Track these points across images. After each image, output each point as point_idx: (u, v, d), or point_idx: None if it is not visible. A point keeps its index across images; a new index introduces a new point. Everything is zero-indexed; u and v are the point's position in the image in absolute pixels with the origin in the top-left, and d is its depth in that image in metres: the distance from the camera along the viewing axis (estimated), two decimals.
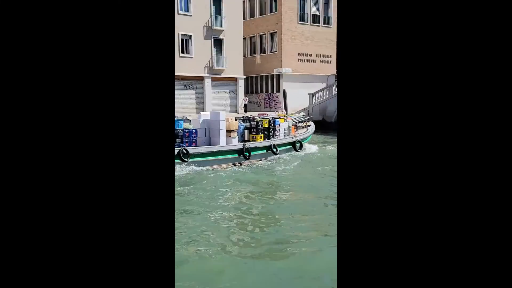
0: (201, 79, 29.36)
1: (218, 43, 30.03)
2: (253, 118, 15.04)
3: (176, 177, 10.13)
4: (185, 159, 11.66)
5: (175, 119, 12.31)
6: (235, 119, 13.93)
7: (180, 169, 11.53)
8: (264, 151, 14.04)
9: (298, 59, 33.09)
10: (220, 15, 29.77)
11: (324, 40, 34.18)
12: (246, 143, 13.38)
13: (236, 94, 31.44)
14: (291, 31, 32.43)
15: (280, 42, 32.18)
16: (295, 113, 20.72)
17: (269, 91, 33.86)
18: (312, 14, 33.42)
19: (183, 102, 28.72)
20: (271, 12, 32.72)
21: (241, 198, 9.01)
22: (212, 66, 29.65)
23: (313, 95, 27.92)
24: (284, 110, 27.15)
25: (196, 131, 12.50)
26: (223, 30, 29.86)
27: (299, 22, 32.74)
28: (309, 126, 17.64)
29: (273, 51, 33.00)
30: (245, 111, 30.41)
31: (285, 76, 32.65)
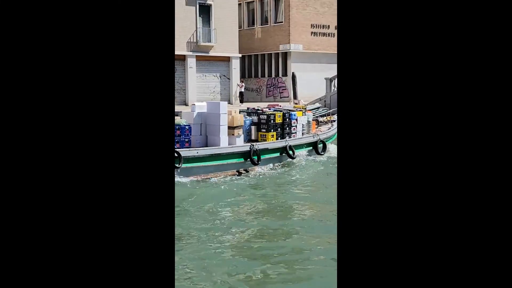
0: (182, 58, 29.40)
1: (205, 11, 30.12)
2: (262, 110, 15.12)
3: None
4: (177, 165, 11.69)
5: None
6: (240, 112, 14.00)
7: None
8: (278, 154, 14.12)
9: (312, 33, 33.30)
10: None
11: None
12: (254, 143, 13.46)
13: (229, 78, 31.57)
14: None
15: (288, 9, 32.37)
16: (307, 104, 20.83)
17: (273, 75, 34.06)
18: None
19: None
20: None
21: (240, 238, 8.56)
22: (196, 41, 29.73)
23: (331, 80, 28.03)
24: (293, 100, 27.34)
25: (190, 128, 12.54)
26: None
27: None
28: (334, 121, 17.77)
29: (278, 21, 33.19)
30: (241, 101, 30.51)
31: (294, 55, 32.81)
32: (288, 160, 14.25)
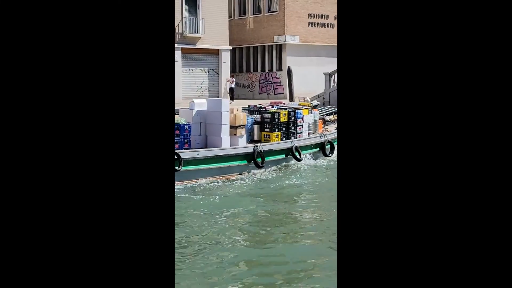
0: None
1: None
2: (265, 108, 15.24)
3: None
4: (176, 168, 11.76)
5: None
6: (242, 110, 14.12)
7: None
8: (283, 155, 14.25)
9: (309, 23, 33.55)
10: None
11: None
12: (257, 144, 13.57)
13: (218, 73, 31.67)
14: None
15: None
16: (312, 101, 21.03)
17: (267, 69, 34.23)
18: None
19: None
20: None
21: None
22: (182, 32, 29.76)
23: (330, 75, 28.22)
24: (289, 97, 27.49)
25: (190, 127, 12.63)
26: None
27: None
28: None
29: (272, 11, 33.38)
30: (232, 98, 30.58)
31: (289, 47, 33.00)
32: (293, 162, 14.40)
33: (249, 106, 16.07)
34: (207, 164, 12.64)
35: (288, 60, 32.20)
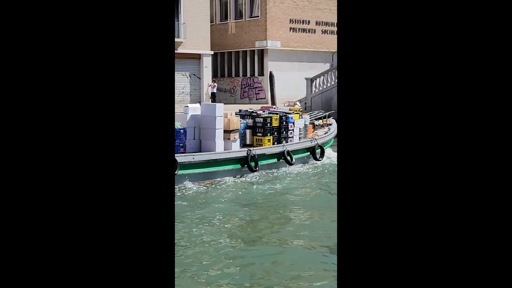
0: None
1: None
2: (257, 113, 15.52)
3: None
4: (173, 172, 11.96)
5: None
6: (235, 114, 14.36)
7: None
8: (275, 159, 14.54)
9: (290, 28, 33.89)
10: None
11: (328, 1, 35.13)
12: (251, 148, 13.84)
13: (199, 78, 31.78)
14: None
15: (264, 3, 32.84)
16: (293, 106, 21.37)
17: (248, 74, 34.48)
18: None
19: None
20: None
21: None
22: None
23: (312, 80, 28.52)
24: (271, 102, 27.70)
25: (186, 132, 12.82)
26: None
27: None
28: (331, 124, 18.32)
29: (253, 16, 33.65)
30: (213, 102, 30.74)
31: (271, 53, 33.29)
32: (284, 167, 14.68)
33: (240, 110, 16.34)
34: (202, 168, 12.83)
35: (270, 65, 32.48)
